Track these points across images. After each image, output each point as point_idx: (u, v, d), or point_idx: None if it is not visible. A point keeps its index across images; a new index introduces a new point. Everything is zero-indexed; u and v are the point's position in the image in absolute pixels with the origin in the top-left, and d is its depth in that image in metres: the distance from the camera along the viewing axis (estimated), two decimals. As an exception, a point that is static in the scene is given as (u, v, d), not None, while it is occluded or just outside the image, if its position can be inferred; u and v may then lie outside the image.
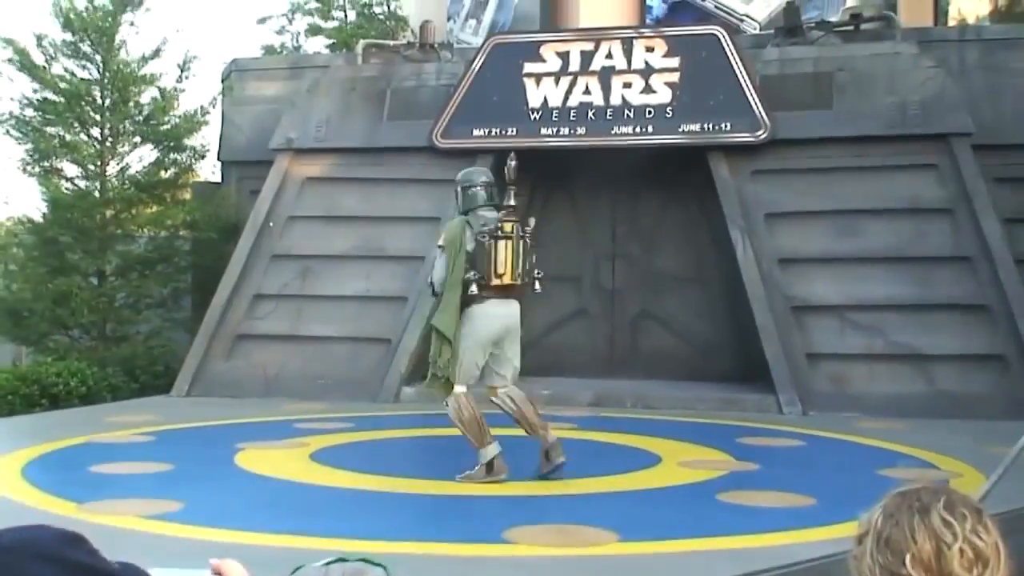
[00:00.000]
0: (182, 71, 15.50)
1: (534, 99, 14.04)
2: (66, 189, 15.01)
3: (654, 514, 6.86)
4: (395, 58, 15.76)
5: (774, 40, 14.59)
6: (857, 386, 12.27)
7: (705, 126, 13.48)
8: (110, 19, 14.91)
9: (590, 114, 13.85)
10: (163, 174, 15.81)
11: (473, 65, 14.38)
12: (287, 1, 24.43)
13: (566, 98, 13.96)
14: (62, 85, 14.93)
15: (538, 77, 14.10)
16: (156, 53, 15.31)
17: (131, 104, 15.21)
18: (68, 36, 14.96)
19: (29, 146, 14.98)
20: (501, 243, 7.56)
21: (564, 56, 14.12)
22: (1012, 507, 5.70)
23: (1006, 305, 12.13)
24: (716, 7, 17.67)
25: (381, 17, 23.41)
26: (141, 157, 15.58)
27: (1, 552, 1.22)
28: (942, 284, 12.54)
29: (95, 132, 15.17)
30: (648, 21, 17.71)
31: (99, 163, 15.05)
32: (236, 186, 16.46)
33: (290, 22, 24.55)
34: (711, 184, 13.51)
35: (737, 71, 13.50)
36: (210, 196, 16.34)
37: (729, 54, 13.60)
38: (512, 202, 7.75)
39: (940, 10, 18.61)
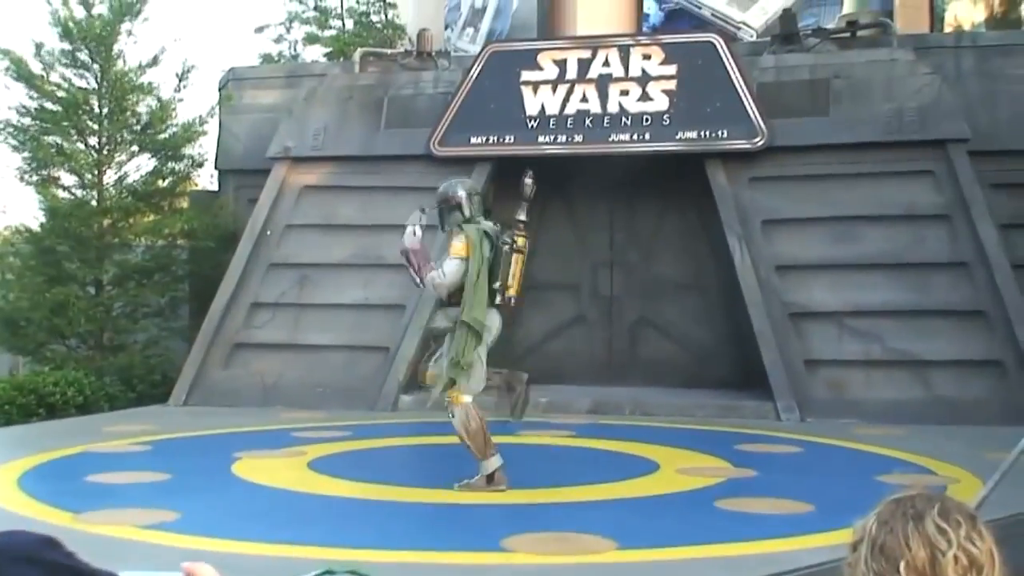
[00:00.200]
0: (180, 80, 15.50)
1: (531, 107, 14.05)
2: (63, 198, 14.99)
3: (652, 521, 6.86)
4: (392, 66, 15.78)
5: (771, 47, 14.62)
6: (855, 392, 12.28)
7: (702, 133, 13.49)
8: (108, 28, 14.91)
9: (587, 122, 13.86)
10: (161, 183, 15.79)
11: (470, 73, 14.39)
12: (285, 10, 24.45)
13: (563, 106, 13.97)
14: (59, 94, 14.93)
15: (535, 85, 14.11)
16: (154, 62, 15.30)
17: (129, 113, 15.20)
18: (66, 45, 14.96)
19: (26, 155, 14.97)
20: (515, 256, 7.58)
21: (561, 64, 14.13)
22: (1009, 513, 5.70)
23: (1003, 311, 12.14)
24: (713, 15, 17.72)
25: (378, 26, 23.42)
26: (139, 166, 15.57)
27: None
28: (939, 290, 12.55)
29: (93, 141, 15.16)
30: (645, 29, 17.76)
31: (96, 172, 15.04)
32: (233, 195, 16.46)
33: (288, 31, 24.54)
34: (708, 191, 13.51)
35: (734, 78, 13.52)
36: (208, 205, 16.33)
37: (726, 61, 13.62)
38: (524, 217, 7.75)
39: (936, 17, 18.65)
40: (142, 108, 15.42)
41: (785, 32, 14.70)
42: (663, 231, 15.19)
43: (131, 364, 14.26)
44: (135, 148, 15.43)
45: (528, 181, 7.82)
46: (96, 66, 14.99)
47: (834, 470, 9.08)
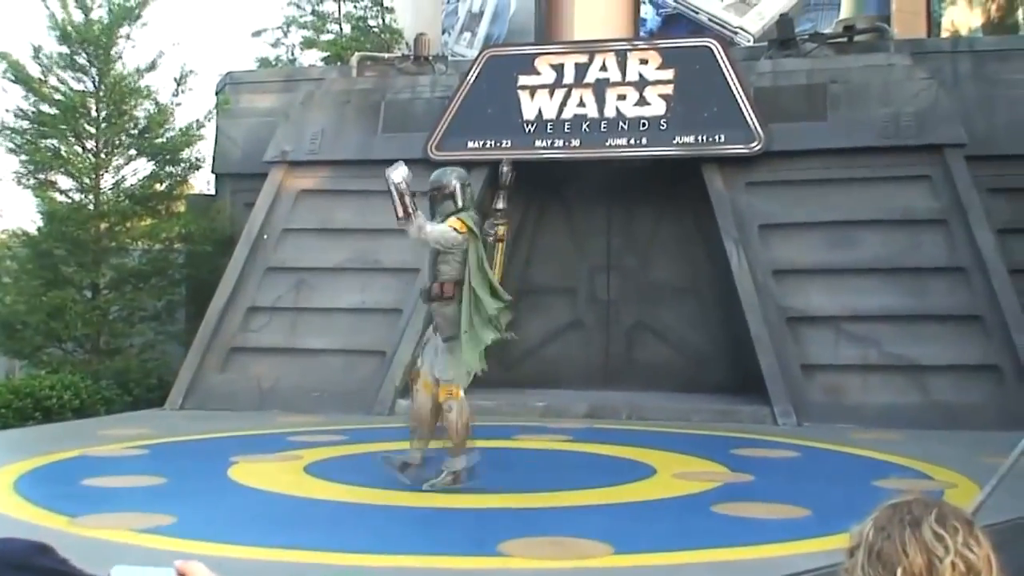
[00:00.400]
0: (178, 84, 15.49)
1: (529, 111, 14.05)
2: (61, 202, 14.97)
3: (649, 526, 6.85)
4: (390, 71, 15.79)
5: (768, 52, 14.63)
6: (852, 397, 12.28)
7: (699, 138, 13.49)
8: (107, 33, 14.90)
9: (584, 126, 13.87)
10: (158, 187, 15.78)
11: (468, 77, 14.40)
12: (282, 15, 24.44)
13: (561, 110, 13.98)
14: (57, 97, 14.92)
15: (533, 89, 14.12)
16: (152, 66, 15.29)
17: (127, 117, 15.18)
18: (64, 49, 14.94)
19: (24, 158, 14.95)
20: (497, 245, 7.70)
21: (559, 68, 14.14)
22: (1006, 518, 5.70)
23: (1000, 316, 12.14)
24: (710, 20, 17.73)
25: (376, 30, 23.41)
26: (136, 170, 15.56)
27: None
28: (936, 295, 12.55)
29: (90, 145, 15.14)
30: (642, 34, 17.75)
31: (94, 176, 15.02)
32: (230, 199, 16.45)
33: (285, 35, 24.52)
34: (705, 196, 13.52)
35: (731, 83, 13.53)
36: (205, 209, 16.33)
37: (723, 66, 13.63)
38: (503, 205, 7.81)
39: (933, 22, 18.67)
40: (140, 112, 15.41)
41: (782, 37, 14.71)
42: (660, 236, 15.19)
43: (127, 368, 14.23)
44: (132, 152, 15.42)
45: (505, 169, 7.90)
46: (94, 70, 14.98)
47: (831, 475, 9.07)
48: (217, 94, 16.67)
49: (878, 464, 9.15)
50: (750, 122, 13.35)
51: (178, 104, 15.55)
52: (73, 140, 15.05)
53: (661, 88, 13.78)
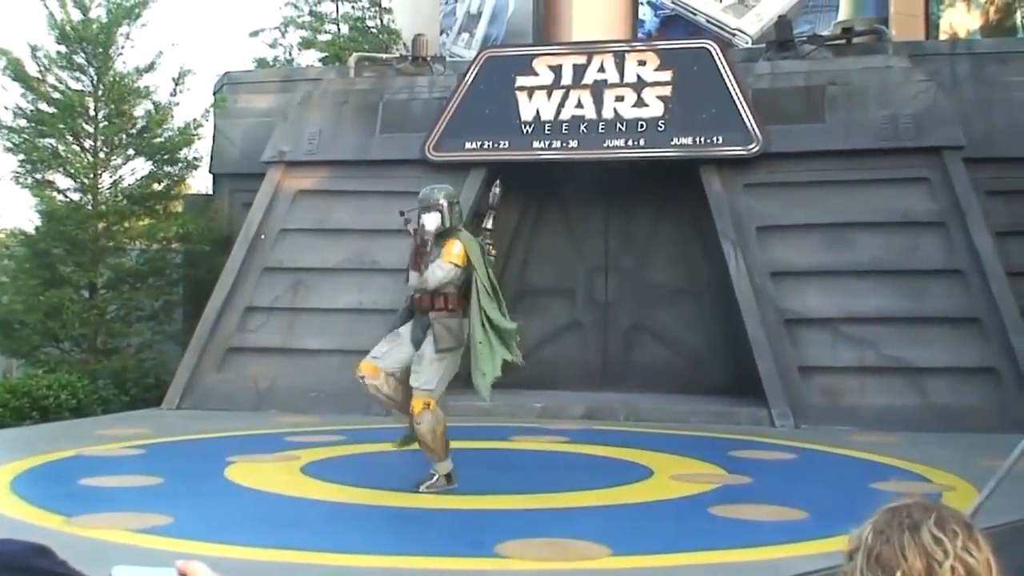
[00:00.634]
0: (176, 84, 15.48)
1: (526, 112, 14.05)
2: (59, 201, 14.96)
3: (646, 528, 6.85)
4: (388, 71, 15.78)
5: (766, 54, 14.63)
6: (849, 399, 12.28)
7: (697, 139, 13.49)
8: (105, 32, 14.88)
9: (582, 127, 13.86)
10: (156, 187, 15.77)
11: (466, 78, 14.39)
12: (280, 15, 24.45)
13: (558, 111, 13.97)
14: (55, 96, 14.91)
15: (530, 90, 14.11)
16: (151, 66, 15.28)
17: (125, 117, 15.17)
18: (62, 48, 14.93)
19: (22, 157, 14.93)
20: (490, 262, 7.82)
21: (556, 69, 14.14)
22: (1004, 521, 5.70)
23: (998, 318, 12.14)
24: (708, 21, 17.72)
25: (374, 31, 23.42)
26: (134, 169, 15.55)
27: None
28: (934, 297, 12.55)
29: (88, 144, 15.12)
30: (640, 35, 17.75)
31: (92, 175, 15.00)
32: (228, 199, 16.43)
33: (283, 35, 24.54)
34: (703, 197, 13.51)
35: (729, 85, 13.53)
36: (202, 209, 16.32)
37: (721, 68, 13.63)
38: (491, 225, 7.94)
39: (931, 24, 18.67)
40: (139, 112, 15.40)
41: (780, 39, 14.71)
42: (658, 237, 15.19)
43: (125, 368, 14.22)
44: (131, 152, 15.41)
45: (496, 191, 8.00)
46: (92, 69, 14.96)
47: (828, 477, 9.07)
48: (215, 94, 16.66)
49: (875, 466, 9.15)
50: (748, 124, 13.35)
51: (176, 104, 15.56)
52: (71, 139, 15.04)
53: (659, 89, 13.78)
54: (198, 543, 5.96)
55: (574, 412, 12.76)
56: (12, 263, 15.58)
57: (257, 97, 16.31)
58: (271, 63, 23.76)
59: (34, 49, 14.91)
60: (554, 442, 10.72)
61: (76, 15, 14.91)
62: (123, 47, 15.17)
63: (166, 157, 15.55)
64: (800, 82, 13.81)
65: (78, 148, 15.10)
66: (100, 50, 14.88)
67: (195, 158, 16.09)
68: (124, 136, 15.25)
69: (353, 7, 24.00)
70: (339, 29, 23.86)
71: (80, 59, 14.95)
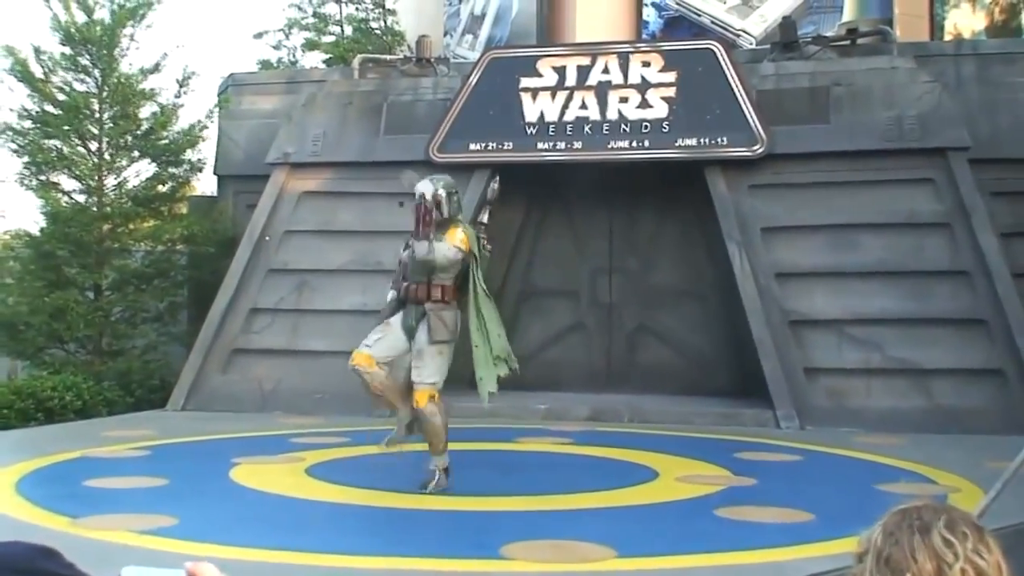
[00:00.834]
0: (181, 86, 15.49)
1: (530, 113, 14.04)
2: (64, 203, 14.98)
3: (652, 530, 6.84)
4: (392, 73, 15.78)
5: (771, 55, 14.62)
6: (855, 401, 12.25)
7: (702, 141, 13.48)
8: (109, 33, 14.89)
9: (586, 128, 13.86)
10: (161, 188, 15.79)
11: (470, 80, 14.39)
12: (284, 16, 24.45)
13: (562, 112, 13.96)
14: (60, 97, 14.92)
15: (534, 92, 14.11)
16: (156, 68, 15.29)
17: (130, 119, 15.18)
18: (67, 50, 14.94)
19: (27, 159, 14.95)
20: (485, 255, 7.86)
21: (560, 71, 14.13)
22: (1011, 523, 5.68)
23: (1004, 319, 12.12)
24: (712, 22, 17.70)
25: (378, 32, 23.43)
26: (139, 171, 15.57)
27: None
28: (939, 298, 12.53)
29: (93, 146, 15.14)
30: (644, 36, 17.73)
31: (97, 177, 15.02)
32: (232, 200, 16.44)
33: (287, 37, 24.52)
34: (708, 198, 13.50)
35: (733, 86, 13.51)
36: (207, 210, 16.33)
37: (725, 69, 13.61)
38: (486, 220, 8.01)
39: (936, 25, 18.65)
40: (144, 114, 15.41)
41: (785, 40, 14.70)
42: (662, 238, 15.18)
43: (130, 369, 14.23)
44: (136, 153, 15.42)
45: (495, 187, 8.05)
46: (97, 71, 14.98)
47: (834, 479, 9.06)
48: (219, 96, 16.67)
49: (881, 468, 9.13)
50: (753, 125, 13.33)
51: (181, 106, 15.57)
52: (76, 141, 15.06)
53: (663, 91, 13.77)
54: (203, 544, 5.96)
55: (578, 414, 12.75)
56: (17, 265, 15.61)
57: (261, 99, 16.32)
58: (275, 65, 23.75)
59: (38, 51, 14.94)
60: (558, 444, 10.71)
61: (80, 17, 14.93)
62: (127, 49, 15.22)
63: (171, 159, 15.57)
64: (805, 83, 13.79)
65: (83, 150, 15.12)
66: (104, 52, 14.90)
67: (200, 160, 16.12)
68: (129, 138, 15.27)
69: (357, 9, 24.00)
70: (343, 31, 23.86)
71: (85, 61, 14.97)
